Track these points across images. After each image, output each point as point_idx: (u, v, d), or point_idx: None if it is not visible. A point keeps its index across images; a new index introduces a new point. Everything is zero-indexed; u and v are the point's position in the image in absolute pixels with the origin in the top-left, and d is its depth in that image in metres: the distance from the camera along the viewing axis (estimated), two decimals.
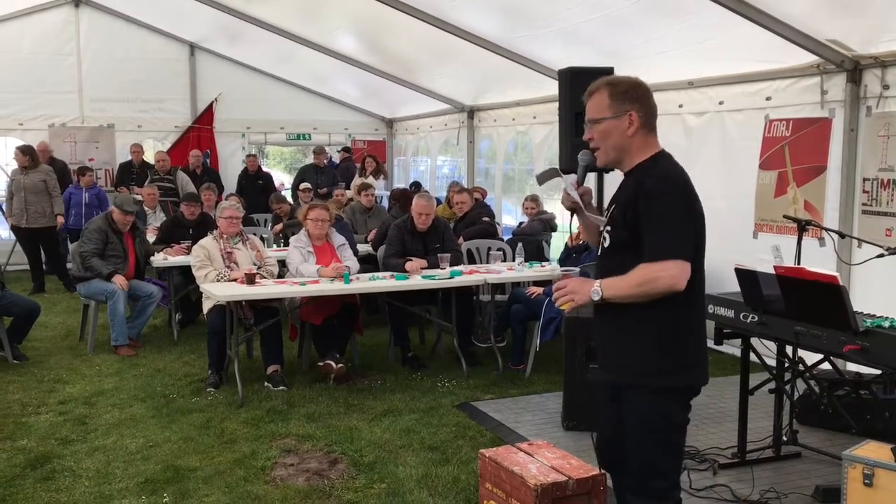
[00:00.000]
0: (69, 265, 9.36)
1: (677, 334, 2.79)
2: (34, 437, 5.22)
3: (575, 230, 7.31)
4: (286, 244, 7.98)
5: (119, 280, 7.37)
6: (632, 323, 2.79)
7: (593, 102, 2.87)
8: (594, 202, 3.39)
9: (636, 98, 2.82)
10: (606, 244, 2.88)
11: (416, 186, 12.11)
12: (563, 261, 7.16)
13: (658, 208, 2.69)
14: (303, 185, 11.28)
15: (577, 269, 2.88)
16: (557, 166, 5.50)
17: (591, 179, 4.36)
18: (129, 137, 12.87)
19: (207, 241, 6.81)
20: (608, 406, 2.98)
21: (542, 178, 3.81)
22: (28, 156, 10.06)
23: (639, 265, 2.70)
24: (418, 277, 6.62)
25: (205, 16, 11.02)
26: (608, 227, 2.88)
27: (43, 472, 4.64)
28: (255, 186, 12.40)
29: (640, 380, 2.80)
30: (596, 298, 2.78)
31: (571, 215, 3.15)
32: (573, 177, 3.12)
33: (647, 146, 2.85)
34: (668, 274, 2.65)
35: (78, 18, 12.75)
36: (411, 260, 6.84)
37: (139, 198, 10.59)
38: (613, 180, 3.40)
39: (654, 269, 2.66)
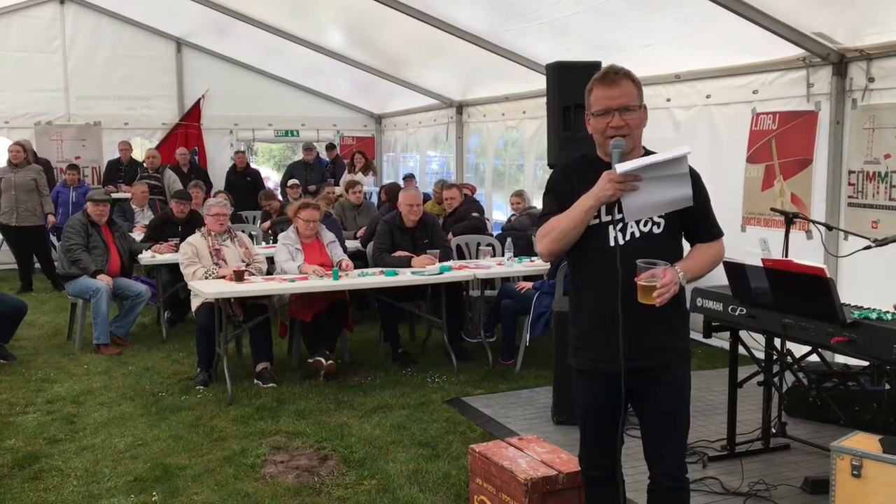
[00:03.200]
0: (56, 263, 9.33)
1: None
2: (22, 437, 5.19)
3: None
4: (275, 241, 7.96)
5: (104, 278, 7.34)
6: (680, 299, 2.85)
7: (625, 89, 2.79)
8: None
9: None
10: (659, 230, 2.82)
11: (409, 178, 12.09)
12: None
13: (705, 190, 2.90)
14: (291, 182, 11.25)
15: (663, 262, 2.74)
16: (548, 161, 5.50)
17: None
18: (115, 135, 12.81)
19: (195, 239, 6.79)
20: (607, 406, 2.90)
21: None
22: (26, 151, 10.11)
23: (700, 244, 2.91)
24: (408, 273, 6.60)
25: (191, 11, 10.96)
26: (660, 215, 2.81)
27: (31, 472, 4.62)
28: (244, 183, 12.37)
29: (682, 353, 2.94)
30: (684, 284, 2.80)
31: (614, 206, 2.79)
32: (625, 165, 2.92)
33: None
34: (724, 249, 2.97)
35: (63, 15, 12.66)
36: (412, 256, 6.85)
37: (127, 195, 10.55)
38: None
39: (721, 245, 2.95)
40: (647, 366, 2.84)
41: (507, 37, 8.34)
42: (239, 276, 6.26)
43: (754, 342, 4.69)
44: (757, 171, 6.85)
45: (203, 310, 6.30)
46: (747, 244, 6.57)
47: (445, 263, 6.86)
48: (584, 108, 2.91)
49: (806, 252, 5.61)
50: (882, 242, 4.32)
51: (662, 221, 2.82)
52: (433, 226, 7.30)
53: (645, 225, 2.82)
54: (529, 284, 6.78)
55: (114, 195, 10.17)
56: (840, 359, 5.00)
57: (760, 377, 4.74)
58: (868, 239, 4.44)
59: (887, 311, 3.87)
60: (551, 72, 5.50)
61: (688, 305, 3.06)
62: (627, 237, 2.82)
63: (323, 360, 6.36)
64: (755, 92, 6.82)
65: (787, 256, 4.51)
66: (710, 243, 2.92)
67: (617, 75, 2.81)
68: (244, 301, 6.46)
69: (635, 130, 2.82)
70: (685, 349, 2.96)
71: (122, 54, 12.94)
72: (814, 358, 4.59)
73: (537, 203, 9.62)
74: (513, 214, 9.13)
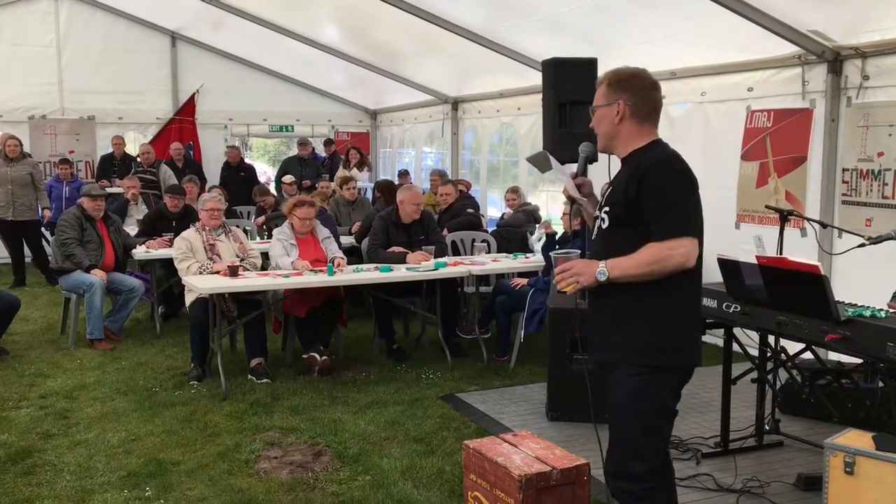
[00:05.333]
0: (50, 258, 9.31)
1: (676, 313, 2.83)
2: (15, 432, 5.18)
3: (559, 219, 7.33)
4: (270, 236, 7.94)
5: (98, 273, 7.32)
6: (630, 301, 2.81)
7: (597, 91, 2.97)
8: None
9: (628, 88, 2.89)
10: (605, 225, 2.89)
11: (405, 175, 12.08)
12: (545, 249, 7.15)
13: (663, 186, 2.74)
14: (286, 178, 11.21)
15: (577, 252, 2.88)
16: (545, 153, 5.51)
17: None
18: (109, 129, 12.78)
19: (190, 234, 6.77)
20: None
21: (533, 161, 3.93)
22: (21, 145, 10.13)
23: (647, 244, 2.73)
24: (403, 269, 6.60)
25: (186, 5, 10.92)
26: (606, 209, 2.90)
27: (24, 467, 4.60)
28: (238, 178, 12.35)
29: (632, 356, 2.82)
30: (602, 279, 2.77)
31: (572, 204, 3.22)
32: (571, 168, 3.18)
33: (639, 135, 2.89)
34: (679, 252, 2.70)
35: (57, 9, 12.59)
36: (407, 252, 6.85)
37: (121, 190, 10.52)
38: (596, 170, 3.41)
39: (665, 246, 2.70)
40: (603, 358, 2.94)
41: (502, 33, 8.33)
42: (233, 272, 6.24)
43: (748, 339, 4.70)
44: (751, 169, 6.85)
45: (197, 305, 6.28)
46: (742, 241, 6.59)
47: (440, 259, 6.85)
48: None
49: (800, 249, 5.61)
50: (876, 240, 4.33)
51: (607, 218, 2.89)
52: (429, 222, 7.30)
53: (602, 221, 2.93)
54: (524, 281, 6.79)
55: (108, 190, 10.13)
56: (834, 356, 5.01)
57: (754, 374, 4.75)
58: (862, 237, 4.45)
59: (881, 309, 3.88)
60: (547, 68, 5.49)
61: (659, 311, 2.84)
62: (595, 231, 3.00)
63: (317, 356, 6.36)
64: (750, 89, 6.82)
65: (781, 254, 4.51)
66: (656, 242, 2.73)
67: (600, 77, 3.05)
68: (238, 296, 6.44)
69: (597, 128, 2.97)
70: (636, 352, 2.82)
71: (116, 48, 12.88)
72: (808, 355, 4.59)
73: (532, 199, 9.63)
74: (505, 212, 9.14)
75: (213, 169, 12.97)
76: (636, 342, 2.82)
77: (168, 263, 7.44)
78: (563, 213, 7.04)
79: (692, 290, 2.87)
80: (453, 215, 8.68)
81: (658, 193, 2.74)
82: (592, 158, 3.20)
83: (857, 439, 3.52)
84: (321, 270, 6.39)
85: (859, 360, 4.12)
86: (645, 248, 2.74)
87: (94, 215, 7.60)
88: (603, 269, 2.77)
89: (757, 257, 4.10)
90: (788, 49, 6.21)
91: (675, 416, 2.93)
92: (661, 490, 2.93)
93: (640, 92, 2.88)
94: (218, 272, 6.42)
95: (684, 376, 2.90)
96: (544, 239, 7.16)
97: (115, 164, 11.97)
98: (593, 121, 2.97)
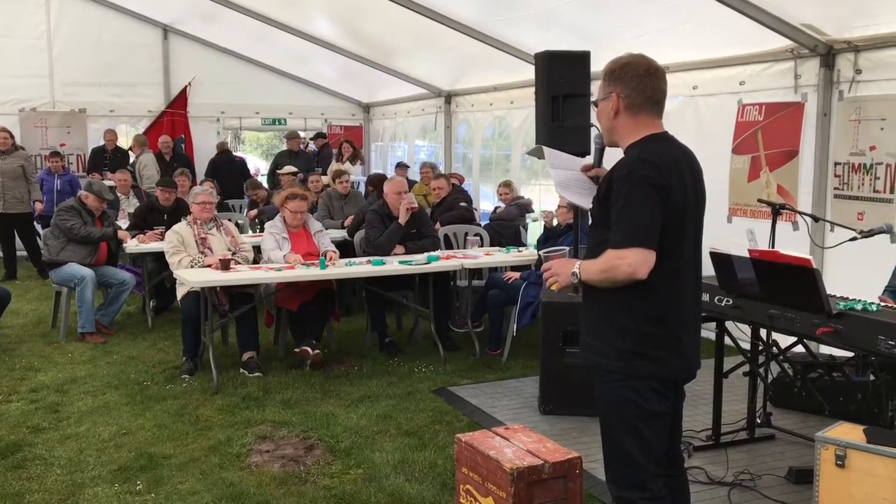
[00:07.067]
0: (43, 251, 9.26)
1: (645, 320, 2.70)
2: (5, 426, 5.15)
3: (555, 211, 7.33)
4: (262, 230, 7.91)
5: (122, 234, 7.61)
6: (604, 305, 2.76)
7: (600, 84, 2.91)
8: None
9: (620, 78, 2.78)
10: (591, 222, 2.93)
11: (401, 167, 12.03)
12: (542, 243, 7.15)
13: (623, 194, 2.64)
14: (286, 168, 11.13)
15: (565, 249, 2.88)
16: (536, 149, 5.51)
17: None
18: (101, 122, 12.71)
19: (181, 227, 6.75)
20: None
21: (533, 153, 3.94)
22: (12, 137, 10.07)
23: (606, 250, 2.68)
24: (396, 262, 6.59)
25: None
26: (592, 206, 2.89)
27: (14, 461, 4.58)
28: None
29: (602, 361, 2.77)
30: (574, 281, 2.76)
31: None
32: (569, 158, 3.15)
33: (636, 128, 2.79)
34: (627, 262, 2.60)
35: (48, 1, 12.51)
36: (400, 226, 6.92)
37: (112, 183, 10.48)
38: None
39: (615, 255, 2.63)
40: (584, 359, 2.91)
41: (496, 27, 8.31)
42: (225, 265, 6.22)
43: (740, 333, 4.71)
44: (743, 163, 6.86)
45: (189, 298, 6.26)
46: (734, 235, 6.60)
47: (433, 253, 6.85)
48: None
49: (792, 243, 5.63)
50: (868, 234, 4.35)
51: (592, 216, 2.91)
52: (421, 214, 7.29)
53: (591, 217, 2.95)
54: (517, 274, 6.78)
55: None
56: (825, 349, 5.02)
57: (746, 368, 4.76)
58: (854, 230, 4.46)
59: (872, 302, 3.89)
60: (540, 61, 5.48)
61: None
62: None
63: (309, 350, 6.34)
64: (742, 83, 6.82)
65: (773, 247, 4.51)
66: (610, 250, 2.66)
67: None
68: (230, 290, 6.42)
69: (599, 123, 2.92)
70: (606, 356, 2.76)
71: (108, 41, 12.79)
72: (799, 349, 4.60)
73: (525, 193, 9.62)
74: (498, 206, 9.13)
75: (204, 162, 12.90)
76: (607, 346, 2.75)
77: (160, 257, 7.41)
78: (559, 206, 7.04)
79: (667, 295, 2.71)
80: (446, 209, 8.67)
81: (617, 199, 2.65)
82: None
83: (849, 432, 3.53)
84: (313, 264, 6.37)
85: (851, 354, 4.13)
86: (603, 255, 2.69)
87: (95, 212, 7.59)
88: (576, 271, 2.76)
89: (749, 251, 4.10)
90: (781, 43, 6.21)
91: (667, 419, 2.81)
92: (666, 498, 2.80)
93: (633, 81, 2.76)
94: (209, 266, 6.40)
95: (667, 382, 2.78)
96: (542, 230, 7.16)
97: (107, 158, 11.92)
98: (595, 115, 2.91)
